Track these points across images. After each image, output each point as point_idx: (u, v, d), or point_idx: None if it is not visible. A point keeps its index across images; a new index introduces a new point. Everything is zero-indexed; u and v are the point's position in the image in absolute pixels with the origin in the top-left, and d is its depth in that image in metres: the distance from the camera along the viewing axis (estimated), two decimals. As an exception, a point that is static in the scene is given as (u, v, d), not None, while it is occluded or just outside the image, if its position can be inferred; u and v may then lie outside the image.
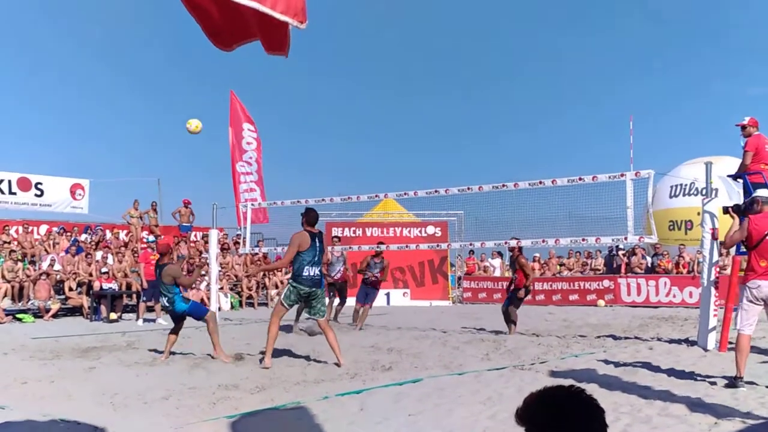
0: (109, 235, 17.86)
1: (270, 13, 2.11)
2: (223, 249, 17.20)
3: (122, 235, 18.19)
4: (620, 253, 17.27)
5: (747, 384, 5.48)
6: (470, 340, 9.29)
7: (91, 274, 14.38)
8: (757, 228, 5.67)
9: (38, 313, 13.13)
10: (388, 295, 16.97)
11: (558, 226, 11.13)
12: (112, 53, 43.71)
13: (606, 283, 16.48)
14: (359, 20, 48.45)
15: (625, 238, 9.48)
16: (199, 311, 7.97)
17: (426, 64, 49.81)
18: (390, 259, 12.19)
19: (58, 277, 14.28)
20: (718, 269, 8.61)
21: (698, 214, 9.56)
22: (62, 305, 13.77)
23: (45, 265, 14.44)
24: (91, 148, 40.48)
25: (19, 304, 13.41)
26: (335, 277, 11.81)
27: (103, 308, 13.33)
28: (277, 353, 7.47)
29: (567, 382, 1.61)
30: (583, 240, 10.04)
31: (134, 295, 14.35)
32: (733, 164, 10.43)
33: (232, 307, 16.06)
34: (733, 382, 5.50)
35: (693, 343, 8.19)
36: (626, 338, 9.38)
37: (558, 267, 18.84)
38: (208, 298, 13.61)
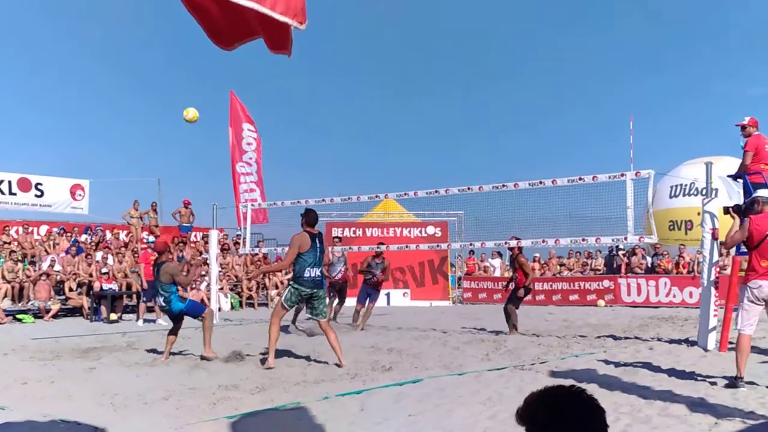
0: (109, 235, 17.87)
1: (269, 13, 2.11)
2: (224, 249, 17.20)
3: (122, 235, 18.19)
4: (620, 253, 17.27)
5: (747, 384, 5.48)
6: (470, 341, 9.29)
7: (91, 275, 14.38)
8: (759, 228, 5.67)
9: (38, 314, 13.13)
10: (388, 295, 16.96)
11: (558, 226, 11.14)
12: (112, 53, 43.78)
13: (606, 283, 16.48)
14: (359, 20, 48.49)
15: (625, 238, 9.48)
16: (197, 309, 7.95)
17: (426, 64, 49.88)
18: (390, 259, 12.19)
19: (58, 277, 14.28)
20: (718, 269, 8.61)
21: (698, 214, 9.56)
22: (62, 306, 13.77)
23: (45, 266, 14.44)
24: (91, 148, 40.54)
25: (20, 304, 13.41)
26: (336, 278, 11.81)
27: (103, 309, 13.33)
28: (278, 353, 7.46)
29: (567, 382, 1.61)
30: (583, 240, 10.04)
31: (134, 296, 14.35)
32: (733, 164, 10.43)
33: (233, 307, 16.06)
34: (733, 382, 5.50)
35: (693, 344, 8.19)
36: (626, 338, 9.38)
37: (558, 267, 18.84)
38: (209, 299, 13.61)
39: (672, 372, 6.34)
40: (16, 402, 5.34)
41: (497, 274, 19.06)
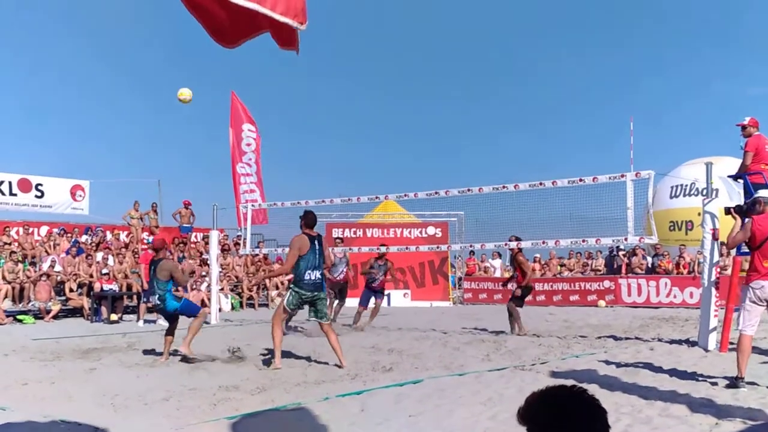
0: (109, 236, 17.87)
1: (270, 14, 2.11)
2: (224, 250, 17.21)
3: (123, 236, 18.20)
4: (621, 253, 17.26)
5: (748, 384, 5.48)
6: (471, 341, 9.29)
7: (91, 275, 14.38)
8: (761, 228, 5.67)
9: (39, 315, 13.13)
10: (388, 295, 16.90)
11: (558, 227, 11.16)
12: (112, 53, 43.77)
13: (606, 283, 16.48)
14: (359, 20, 48.50)
15: (626, 239, 9.48)
16: (192, 309, 7.88)
17: (426, 65, 49.89)
18: (391, 259, 12.20)
19: (58, 278, 14.28)
20: (718, 270, 8.61)
21: (699, 214, 9.56)
22: (63, 306, 13.77)
23: (45, 267, 14.44)
24: (91, 148, 40.53)
25: (20, 305, 13.40)
26: (337, 278, 11.82)
27: (103, 309, 13.33)
28: (278, 354, 7.46)
29: (568, 382, 1.61)
30: (584, 241, 10.04)
31: (135, 297, 14.34)
32: (733, 165, 10.43)
33: (233, 308, 16.05)
34: (734, 383, 5.49)
35: (694, 344, 8.19)
36: (627, 339, 9.38)
37: (558, 267, 18.84)
38: (209, 299, 13.62)
39: (673, 372, 6.34)
40: (17, 402, 5.34)
41: (497, 274, 19.05)
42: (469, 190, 10.66)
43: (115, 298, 13.57)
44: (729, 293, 7.93)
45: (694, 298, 14.24)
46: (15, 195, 17.60)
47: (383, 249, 11.83)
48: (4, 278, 13.46)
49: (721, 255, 10.11)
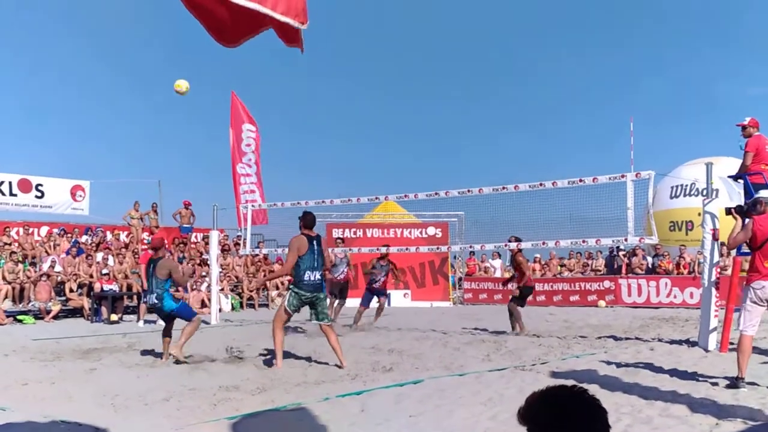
0: (109, 236, 17.88)
1: (271, 14, 2.11)
2: (224, 250, 17.21)
3: (123, 236, 18.20)
4: (621, 253, 17.27)
5: (748, 384, 5.48)
6: (471, 341, 9.29)
7: (91, 276, 14.39)
8: (762, 229, 5.67)
9: (39, 315, 13.13)
10: (388, 296, 16.96)
11: (559, 228, 11.16)
12: (112, 53, 43.76)
13: (607, 283, 16.48)
14: (359, 20, 48.51)
15: (626, 239, 9.48)
16: (188, 313, 7.79)
17: (426, 65, 49.88)
18: (392, 260, 12.18)
19: (58, 278, 14.29)
20: (718, 270, 8.61)
21: (699, 214, 9.56)
22: (63, 307, 13.77)
23: (46, 267, 14.45)
24: (91, 148, 40.50)
25: (20, 305, 13.41)
26: (338, 278, 11.82)
27: (103, 309, 13.34)
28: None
29: (568, 382, 1.61)
30: (584, 241, 10.04)
31: (135, 297, 14.35)
32: (733, 165, 10.43)
33: (233, 308, 16.06)
34: (734, 383, 5.49)
35: (694, 344, 8.19)
36: (627, 339, 9.38)
37: (559, 268, 18.85)
38: (209, 299, 13.62)
39: (673, 373, 6.34)
40: (17, 403, 5.34)
41: (498, 274, 19.06)
42: (469, 190, 10.67)
43: (115, 298, 13.58)
44: (729, 293, 7.93)
45: (694, 298, 14.24)
46: (15, 195, 17.60)
47: (385, 249, 11.83)
48: (4, 278, 13.47)
49: (721, 255, 10.11)
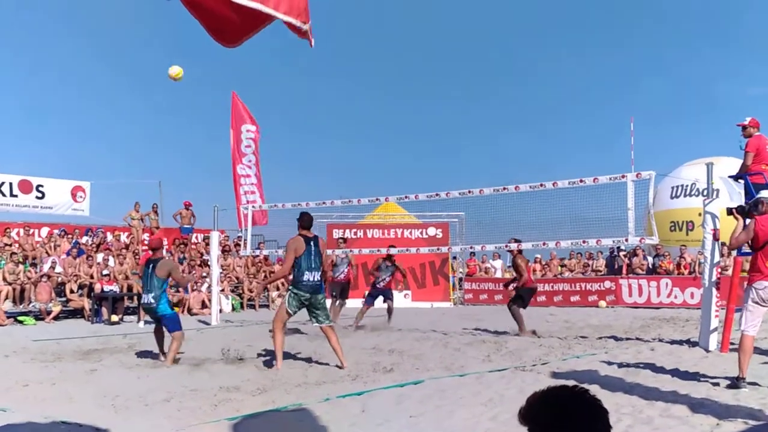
0: (110, 237, 17.89)
1: (273, 13, 2.11)
2: (225, 251, 17.22)
3: (123, 237, 18.21)
4: (621, 254, 17.26)
5: (749, 385, 5.48)
6: (471, 342, 9.29)
7: (92, 277, 14.39)
8: (764, 229, 5.67)
9: (39, 316, 13.14)
10: (389, 296, 16.96)
11: (559, 228, 11.14)
12: (112, 53, 43.79)
13: (607, 284, 16.48)
14: (359, 20, 48.53)
15: (626, 240, 9.48)
16: (174, 325, 7.64)
17: (426, 65, 49.91)
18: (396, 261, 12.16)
19: (59, 279, 14.29)
20: (719, 270, 8.61)
21: (699, 214, 9.56)
22: (63, 307, 13.77)
23: (46, 268, 14.44)
24: (92, 148, 40.56)
25: (21, 306, 13.41)
26: (339, 278, 11.83)
27: (104, 310, 13.34)
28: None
29: (569, 383, 1.61)
30: (584, 242, 10.03)
31: (135, 298, 14.34)
32: (733, 165, 10.43)
33: (233, 309, 16.06)
34: (735, 383, 5.49)
35: (695, 344, 8.19)
36: (628, 339, 9.37)
37: (559, 268, 18.84)
38: (210, 300, 13.63)
39: (674, 373, 6.34)
40: (18, 404, 5.34)
41: (498, 275, 19.06)
42: (469, 191, 10.67)
43: (115, 299, 13.59)
44: (730, 294, 7.93)
45: (694, 298, 14.25)
46: (16, 196, 17.61)
47: (392, 251, 11.84)
48: (4, 279, 13.47)
49: (721, 255, 10.10)
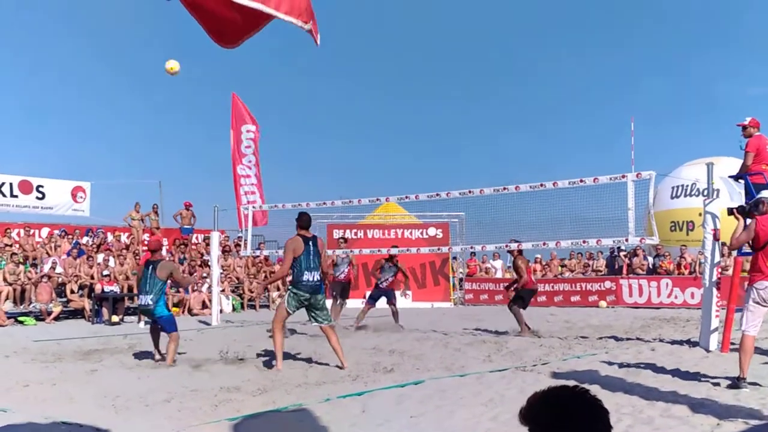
0: (110, 237, 17.89)
1: (274, 13, 2.11)
2: (225, 251, 17.22)
3: (124, 237, 18.20)
4: (622, 254, 17.26)
5: (750, 385, 5.47)
6: (472, 342, 9.29)
7: (92, 277, 14.39)
8: (765, 229, 5.67)
9: (40, 316, 13.14)
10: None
11: (559, 228, 11.14)
12: (112, 53, 43.79)
13: (608, 284, 16.47)
14: (359, 20, 48.53)
15: (627, 240, 9.48)
16: (170, 326, 7.64)
17: (426, 65, 49.91)
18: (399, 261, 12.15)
19: (59, 279, 14.29)
20: (719, 270, 8.60)
21: (700, 214, 9.56)
22: (64, 308, 13.78)
23: (47, 268, 14.45)
24: (92, 148, 40.57)
25: (21, 306, 13.42)
26: (340, 278, 11.83)
27: (104, 311, 13.35)
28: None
29: (570, 383, 1.61)
30: (585, 242, 10.03)
31: (136, 298, 14.34)
32: (733, 165, 10.43)
33: (234, 309, 16.06)
34: (735, 383, 5.49)
35: (695, 344, 8.19)
36: (628, 339, 9.37)
37: (560, 268, 18.84)
38: (210, 301, 13.62)
39: (674, 373, 6.33)
40: (18, 404, 5.34)
41: (499, 275, 19.06)
42: (470, 191, 10.67)
43: (116, 299, 13.59)
44: (730, 294, 7.93)
45: (695, 298, 14.24)
46: (16, 197, 17.61)
47: (394, 251, 11.84)
48: (5, 280, 13.47)
49: (722, 255, 10.10)
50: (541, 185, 9.90)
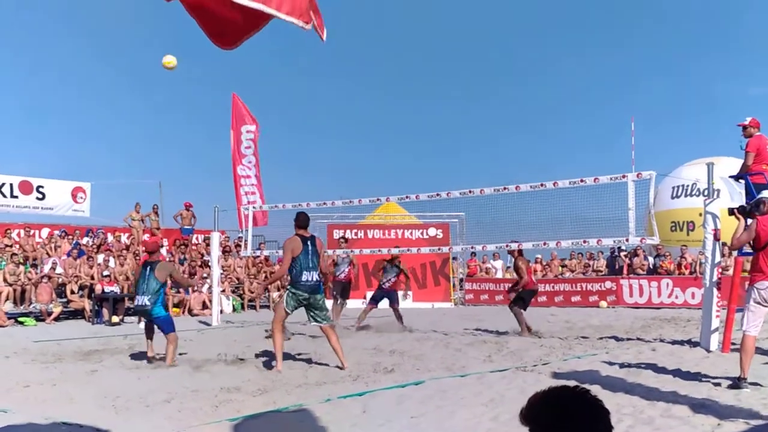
0: (110, 238, 17.89)
1: (275, 14, 2.11)
2: (225, 252, 17.22)
3: (124, 238, 18.20)
4: (622, 254, 17.26)
5: (750, 385, 5.47)
6: (472, 342, 9.28)
7: (92, 277, 14.39)
8: (765, 229, 5.66)
9: (40, 317, 13.14)
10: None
11: (560, 228, 11.13)
12: (112, 53, 43.78)
13: (608, 284, 16.47)
14: (359, 20, 48.52)
15: (627, 240, 9.47)
16: (168, 327, 7.65)
17: (426, 65, 49.91)
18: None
19: (59, 280, 14.29)
20: (720, 270, 8.60)
21: (700, 215, 9.55)
22: (64, 308, 13.78)
23: (47, 269, 14.45)
24: (92, 148, 40.53)
25: (21, 307, 13.42)
26: (340, 278, 11.82)
27: (105, 311, 13.35)
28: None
29: (570, 383, 1.61)
30: (585, 242, 10.02)
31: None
32: (734, 165, 10.42)
33: (234, 309, 16.06)
34: (736, 383, 5.49)
35: (696, 345, 8.18)
36: (629, 339, 9.36)
37: (560, 268, 18.83)
38: (210, 301, 13.62)
39: (675, 373, 6.33)
40: (18, 405, 5.34)
41: (499, 275, 19.06)
42: (470, 191, 10.66)
43: (116, 300, 13.59)
44: (731, 294, 7.92)
45: (695, 298, 14.24)
46: (16, 197, 17.61)
47: (395, 251, 11.83)
48: (5, 280, 13.47)
49: (722, 255, 10.09)
50: (542, 185, 9.89)
